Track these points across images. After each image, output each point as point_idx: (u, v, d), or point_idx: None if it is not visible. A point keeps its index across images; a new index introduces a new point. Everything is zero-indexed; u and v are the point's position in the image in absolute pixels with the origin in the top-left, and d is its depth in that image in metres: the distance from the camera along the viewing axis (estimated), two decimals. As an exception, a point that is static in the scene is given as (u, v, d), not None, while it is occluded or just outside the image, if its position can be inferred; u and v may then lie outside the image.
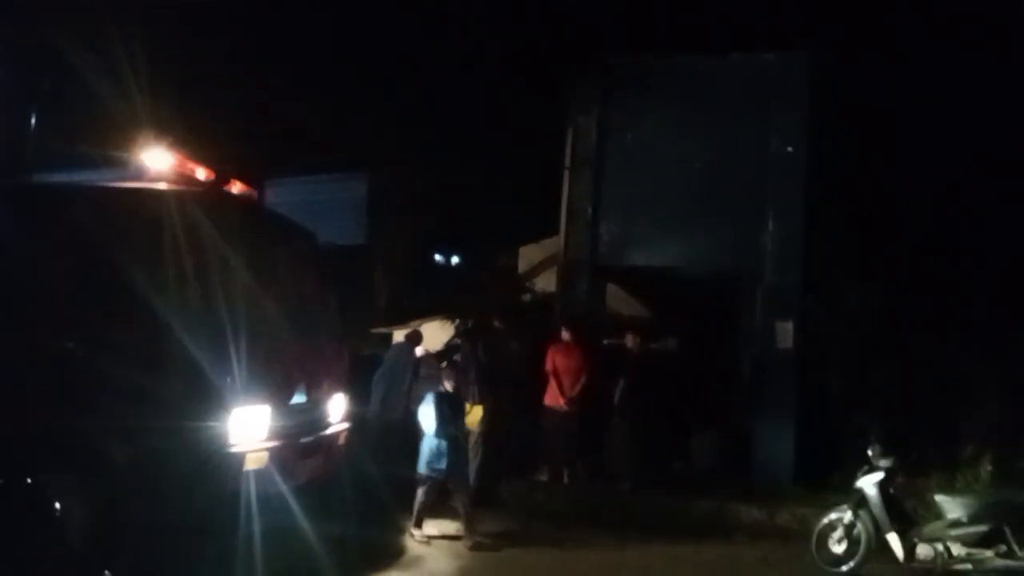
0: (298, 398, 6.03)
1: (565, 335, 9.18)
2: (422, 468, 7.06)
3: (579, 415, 8.97)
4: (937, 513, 6.61)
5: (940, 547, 6.29)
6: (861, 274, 10.13)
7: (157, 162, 5.76)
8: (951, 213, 10.38)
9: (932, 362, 9.37)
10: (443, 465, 6.95)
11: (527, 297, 12.17)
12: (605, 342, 10.30)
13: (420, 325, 10.68)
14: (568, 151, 10.31)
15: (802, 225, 9.49)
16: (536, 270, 12.68)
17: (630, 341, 9.36)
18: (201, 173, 5.83)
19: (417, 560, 6.62)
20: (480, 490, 8.24)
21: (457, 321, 11.30)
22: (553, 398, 8.94)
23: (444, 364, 9.04)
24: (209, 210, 5.54)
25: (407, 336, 9.52)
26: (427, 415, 7.03)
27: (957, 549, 6.24)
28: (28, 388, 5.20)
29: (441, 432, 6.96)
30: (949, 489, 7.57)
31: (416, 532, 7.07)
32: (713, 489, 8.60)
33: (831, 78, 9.91)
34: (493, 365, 8.63)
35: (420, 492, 7.07)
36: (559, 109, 10.50)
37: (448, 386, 7.28)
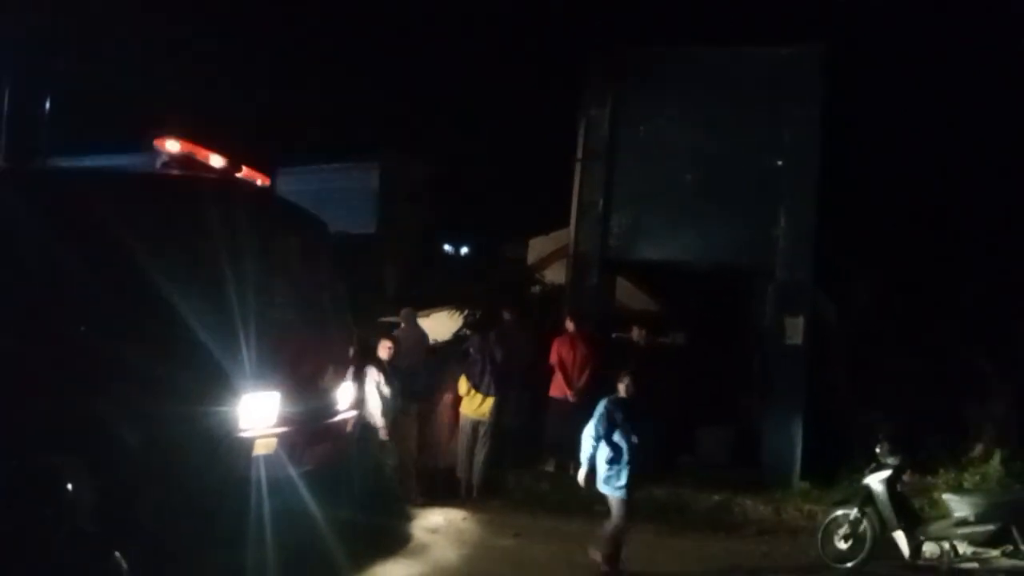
0: (307, 385, 6.06)
1: (569, 326, 9.19)
2: (602, 487, 6.19)
3: (585, 406, 8.97)
4: (944, 512, 6.60)
5: (947, 546, 6.28)
6: (870, 270, 10.09)
7: (170, 149, 5.78)
8: (962, 209, 10.31)
9: (941, 359, 9.33)
10: (624, 481, 6.07)
11: (536, 289, 12.17)
12: (614, 335, 10.31)
13: (428, 315, 10.70)
14: (580, 143, 10.28)
15: (814, 220, 9.43)
16: (545, 262, 12.67)
17: (635, 334, 9.36)
18: (214, 161, 5.85)
19: (423, 547, 6.67)
20: (486, 481, 8.31)
21: (465, 312, 11.31)
22: (559, 389, 8.96)
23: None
24: (221, 197, 5.58)
25: (402, 317, 9.38)
26: (599, 425, 6.16)
27: (964, 548, 6.23)
28: (41, 372, 5.25)
29: (617, 443, 6.10)
30: (957, 488, 7.56)
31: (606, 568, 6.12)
32: (720, 484, 8.60)
33: (843, 72, 9.84)
34: (502, 357, 8.65)
35: (616, 518, 6.15)
36: (571, 101, 10.47)
37: (622, 391, 6.34)
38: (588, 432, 6.22)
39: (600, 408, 6.24)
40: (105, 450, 5.14)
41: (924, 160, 10.39)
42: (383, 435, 7.40)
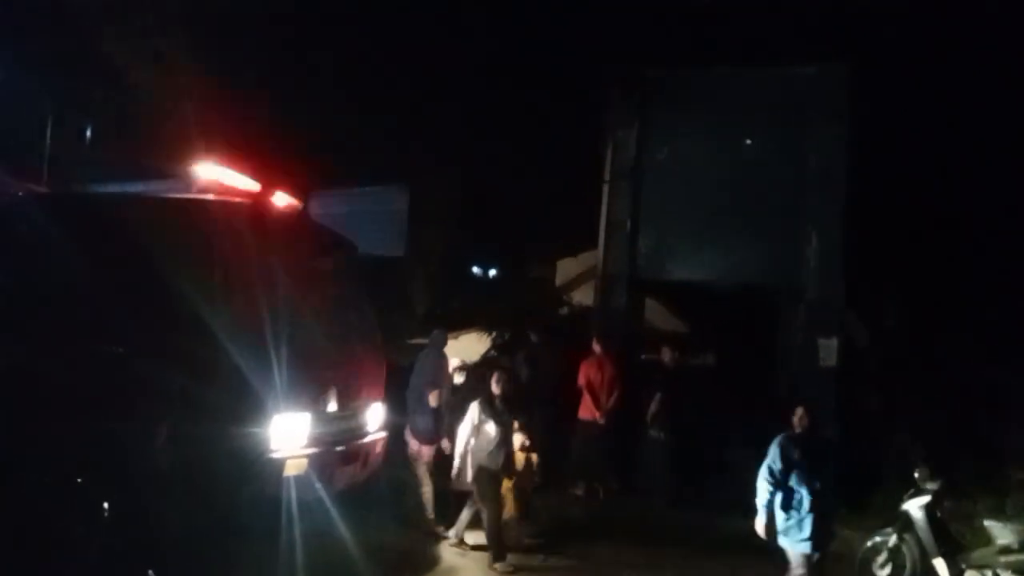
0: (338, 406, 6.10)
1: (596, 348, 9.15)
2: (781, 540, 5.47)
3: (613, 429, 8.92)
4: (986, 539, 6.42)
5: (989, 574, 6.11)
6: (902, 289, 9.94)
7: (206, 174, 5.91)
8: (994, 227, 10.13)
9: (980, 381, 9.12)
10: (807, 534, 5.30)
11: (564, 310, 12.17)
12: (643, 357, 10.25)
13: (457, 336, 10.72)
14: (607, 164, 10.31)
15: (843, 239, 9.35)
16: (573, 284, 12.69)
17: (666, 355, 9.30)
18: (248, 185, 5.96)
19: (452, 570, 6.63)
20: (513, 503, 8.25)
21: (494, 334, 11.34)
22: (587, 411, 8.92)
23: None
24: (255, 221, 5.68)
25: (431, 339, 9.21)
26: (773, 466, 5.41)
27: (1006, 577, 6.05)
28: (78, 392, 5.34)
29: (794, 488, 5.32)
30: (999, 514, 7.34)
31: None
32: (751, 507, 8.44)
33: (869, 90, 9.78)
34: (530, 379, 8.63)
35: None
36: (599, 123, 10.52)
37: (796, 425, 5.51)
38: (763, 475, 5.45)
39: (773, 447, 5.46)
40: (138, 470, 5.22)
41: (955, 177, 10.24)
42: (453, 473, 6.84)
